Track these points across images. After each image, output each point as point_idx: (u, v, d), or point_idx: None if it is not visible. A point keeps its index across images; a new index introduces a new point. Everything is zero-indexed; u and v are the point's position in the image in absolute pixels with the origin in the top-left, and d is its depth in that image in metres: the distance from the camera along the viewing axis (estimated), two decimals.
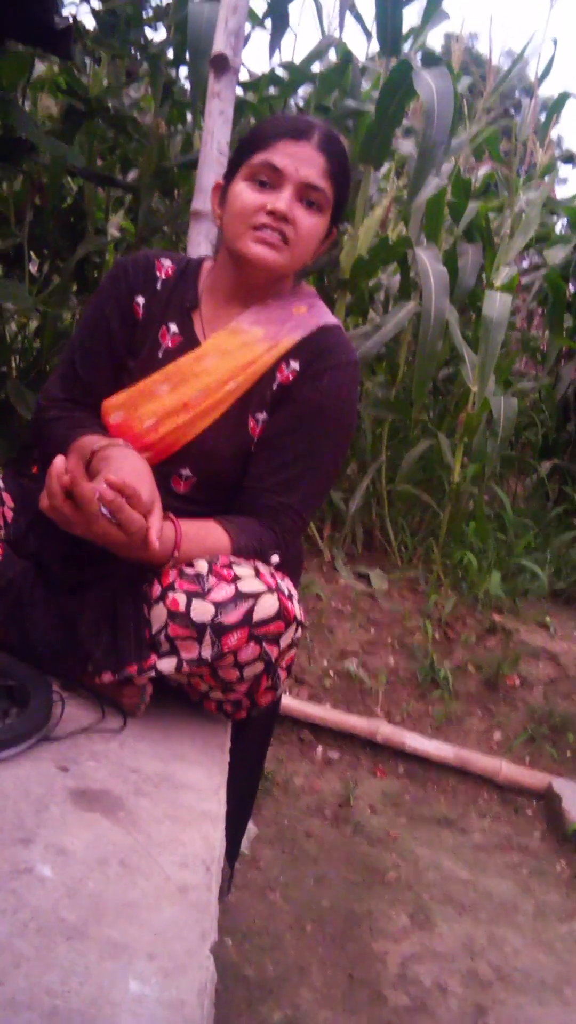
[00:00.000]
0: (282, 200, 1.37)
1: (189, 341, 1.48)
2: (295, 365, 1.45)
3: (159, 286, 1.52)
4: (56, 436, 1.42)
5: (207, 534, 1.34)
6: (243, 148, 1.44)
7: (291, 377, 1.45)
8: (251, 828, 2.24)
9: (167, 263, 1.54)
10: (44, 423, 1.47)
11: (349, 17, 3.42)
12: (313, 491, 1.46)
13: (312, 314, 1.50)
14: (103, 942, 0.86)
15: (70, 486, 1.19)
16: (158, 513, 1.24)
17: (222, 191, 1.48)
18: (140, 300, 1.51)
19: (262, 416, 1.46)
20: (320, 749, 2.77)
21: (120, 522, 1.17)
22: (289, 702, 2.78)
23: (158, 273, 1.53)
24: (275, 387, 1.45)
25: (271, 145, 1.39)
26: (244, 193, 1.40)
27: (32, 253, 3.22)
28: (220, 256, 1.51)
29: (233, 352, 1.44)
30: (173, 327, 1.49)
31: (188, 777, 1.22)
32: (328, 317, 1.51)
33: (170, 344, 1.49)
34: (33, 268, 3.33)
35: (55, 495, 1.20)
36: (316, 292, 1.57)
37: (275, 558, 1.37)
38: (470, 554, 3.52)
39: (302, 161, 1.38)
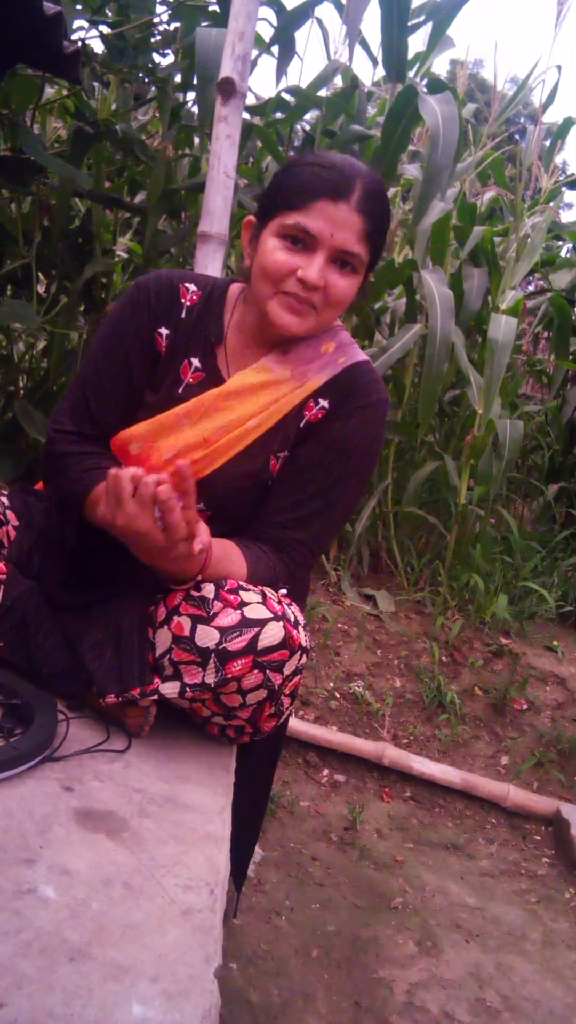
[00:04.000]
0: (313, 269, 1.32)
1: (212, 377, 1.45)
2: (324, 403, 1.43)
3: (184, 314, 1.46)
4: (71, 476, 1.39)
5: (229, 559, 1.32)
6: (279, 196, 1.36)
7: (320, 415, 1.43)
8: (256, 851, 2.22)
9: (192, 287, 1.47)
10: (56, 458, 1.43)
11: (356, 43, 3.45)
12: (328, 528, 1.45)
13: (340, 351, 1.46)
14: (106, 964, 0.85)
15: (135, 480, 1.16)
16: (203, 526, 1.23)
17: (254, 230, 1.41)
18: (164, 331, 1.44)
19: (283, 455, 1.44)
20: (326, 772, 2.75)
21: (167, 524, 1.15)
22: (295, 724, 2.76)
23: (183, 300, 1.46)
24: (302, 425, 1.43)
25: (308, 206, 1.31)
26: (275, 252, 1.34)
27: (40, 274, 3.24)
28: (250, 294, 1.44)
29: (258, 391, 1.41)
30: (196, 362, 1.45)
31: (193, 798, 1.21)
32: (357, 354, 1.47)
33: (191, 380, 1.44)
34: (41, 288, 3.35)
35: (122, 480, 1.16)
36: (343, 325, 1.53)
37: (283, 590, 1.35)
38: (477, 576, 3.51)
39: (338, 226, 1.31)
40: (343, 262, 1.35)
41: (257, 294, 1.38)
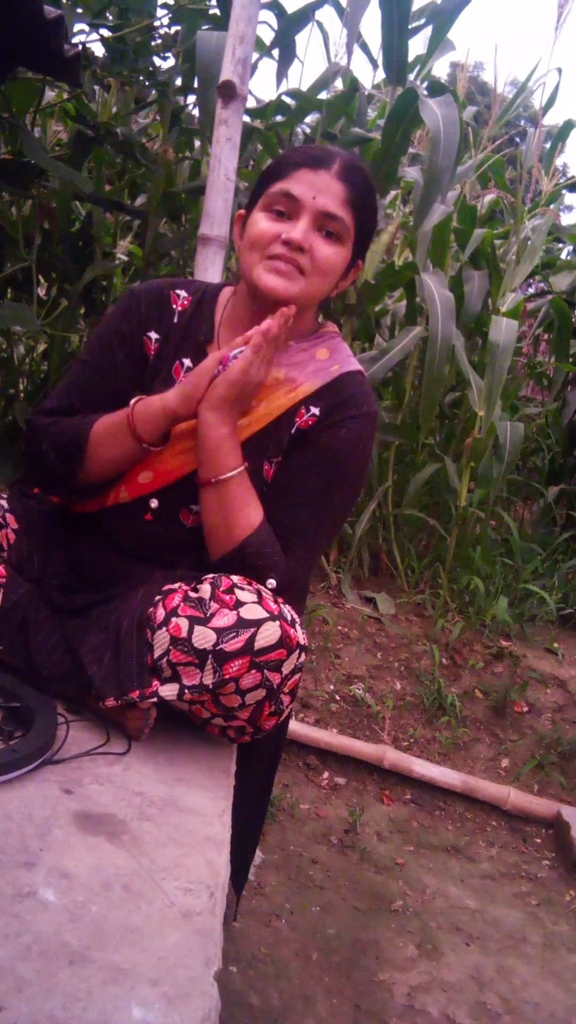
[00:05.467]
0: (298, 230, 1.35)
1: None
2: (315, 411, 1.43)
3: (175, 319, 1.48)
4: (65, 427, 1.42)
5: (253, 494, 1.37)
6: (264, 179, 1.42)
7: (310, 422, 1.43)
8: (256, 854, 2.22)
9: (182, 294, 1.50)
10: (43, 428, 1.45)
11: (356, 46, 3.45)
12: (319, 537, 1.46)
13: (334, 359, 1.47)
14: (106, 967, 0.84)
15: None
16: None
17: (243, 221, 1.45)
18: (153, 335, 1.47)
19: (277, 460, 1.44)
20: (326, 774, 2.75)
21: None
22: (295, 727, 2.76)
23: (174, 305, 1.49)
24: (293, 431, 1.44)
25: (289, 175, 1.37)
26: (260, 222, 1.38)
27: (40, 277, 3.24)
28: (239, 288, 1.48)
29: None
30: (187, 362, 1.46)
31: (193, 801, 1.21)
32: (351, 363, 1.48)
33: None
34: (41, 291, 3.34)
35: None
36: (339, 332, 1.54)
37: (271, 582, 1.35)
38: (477, 579, 3.51)
39: (319, 190, 1.35)
40: (328, 231, 1.38)
41: (245, 268, 1.40)
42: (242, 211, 1.47)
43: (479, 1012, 1.92)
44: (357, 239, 1.43)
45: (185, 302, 1.50)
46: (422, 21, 3.30)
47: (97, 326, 1.54)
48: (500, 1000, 1.97)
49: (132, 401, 1.39)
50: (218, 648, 1.21)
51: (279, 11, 3.18)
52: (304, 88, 3.51)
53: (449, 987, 1.98)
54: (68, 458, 1.42)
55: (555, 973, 2.11)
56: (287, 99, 3.46)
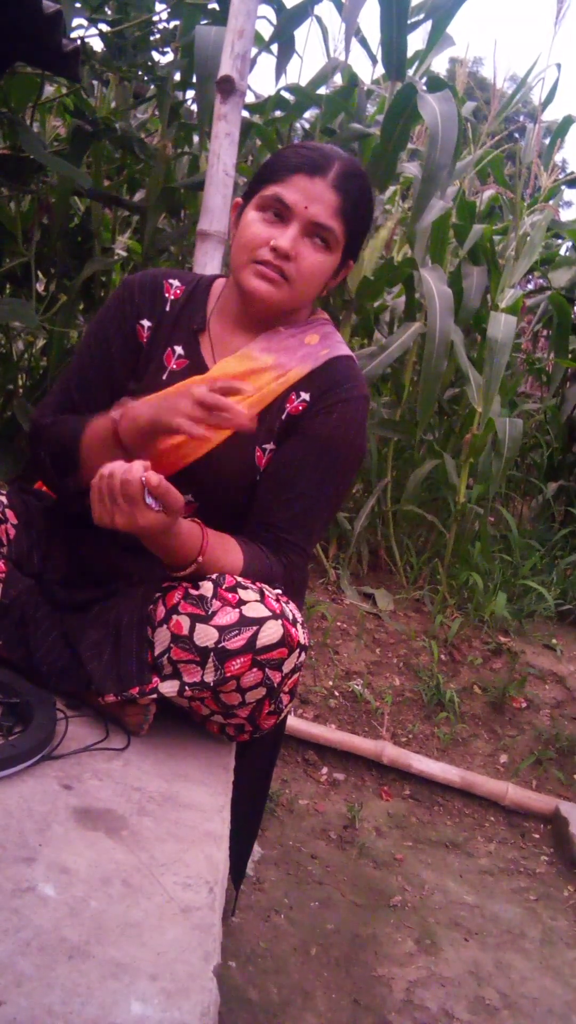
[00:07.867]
0: (286, 237, 1.36)
1: (196, 364, 1.47)
2: (305, 396, 1.44)
3: (167, 308, 1.50)
4: (65, 430, 1.41)
5: (227, 550, 1.33)
6: (262, 174, 1.42)
7: (300, 408, 1.44)
8: (255, 849, 2.22)
9: (175, 283, 1.52)
10: (42, 429, 1.45)
11: (355, 41, 3.45)
12: (318, 525, 1.46)
13: (324, 344, 1.47)
14: (105, 962, 0.85)
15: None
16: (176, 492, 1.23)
17: (239, 211, 1.46)
18: (146, 323, 1.49)
19: (269, 447, 1.44)
20: (325, 770, 2.75)
21: (166, 505, 1.18)
22: (294, 722, 2.76)
23: (166, 294, 1.51)
24: (284, 417, 1.44)
25: (286, 178, 1.37)
26: (253, 224, 1.39)
27: (39, 272, 3.24)
28: (231, 280, 1.49)
29: (240, 379, 1.42)
30: (179, 350, 1.47)
31: (192, 797, 1.21)
32: (340, 348, 1.48)
33: (175, 367, 1.47)
34: (40, 287, 3.34)
35: (111, 478, 1.18)
36: (331, 320, 1.55)
37: (278, 590, 1.35)
38: (476, 575, 3.51)
39: (313, 199, 1.36)
40: (320, 238, 1.39)
41: (234, 265, 1.42)
42: (239, 200, 1.48)
43: (477, 1007, 1.92)
44: (347, 245, 1.44)
45: (178, 291, 1.51)
46: (421, 16, 3.29)
47: (94, 317, 1.55)
48: (498, 995, 1.97)
49: (114, 413, 1.32)
50: (220, 646, 1.21)
51: (278, 6, 3.17)
52: (303, 83, 3.50)
53: (448, 982, 1.98)
54: (63, 468, 1.42)
55: (553, 968, 2.11)
56: (286, 94, 3.45)
